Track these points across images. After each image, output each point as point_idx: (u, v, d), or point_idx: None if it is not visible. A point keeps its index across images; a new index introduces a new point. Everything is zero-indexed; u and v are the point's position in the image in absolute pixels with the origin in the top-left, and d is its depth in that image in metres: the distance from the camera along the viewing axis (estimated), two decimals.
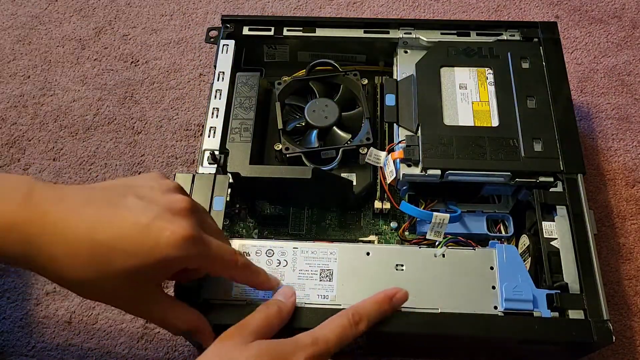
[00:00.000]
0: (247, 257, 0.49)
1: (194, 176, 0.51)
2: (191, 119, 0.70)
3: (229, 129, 0.55)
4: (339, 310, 0.45)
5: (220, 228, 0.49)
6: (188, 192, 0.48)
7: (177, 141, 0.69)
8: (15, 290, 0.60)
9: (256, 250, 0.49)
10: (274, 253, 0.49)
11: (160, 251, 0.36)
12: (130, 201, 0.38)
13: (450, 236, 0.52)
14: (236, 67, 0.60)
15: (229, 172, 0.52)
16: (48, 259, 0.36)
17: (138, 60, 0.76)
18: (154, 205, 0.38)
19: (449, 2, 0.81)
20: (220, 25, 0.62)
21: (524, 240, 0.53)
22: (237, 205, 0.56)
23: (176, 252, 0.37)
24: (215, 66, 0.59)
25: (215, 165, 0.52)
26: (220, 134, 0.54)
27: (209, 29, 0.62)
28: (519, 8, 0.80)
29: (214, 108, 0.56)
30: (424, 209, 0.55)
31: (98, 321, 0.58)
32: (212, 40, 0.61)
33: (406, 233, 0.56)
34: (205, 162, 0.53)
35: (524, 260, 0.52)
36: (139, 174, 0.66)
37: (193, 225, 0.38)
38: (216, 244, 0.40)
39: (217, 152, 0.53)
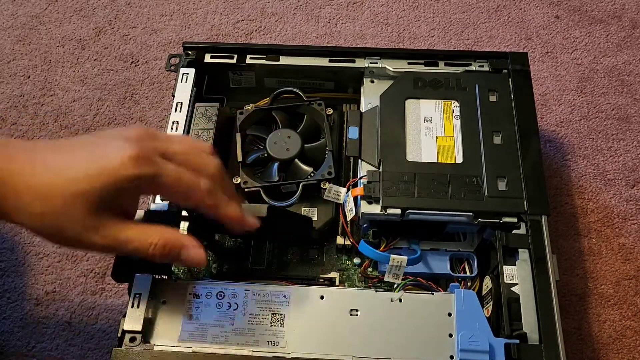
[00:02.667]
0: (197, 299, 0.47)
1: (145, 212, 0.50)
2: None
3: None
4: (288, 359, 0.44)
5: (170, 270, 0.47)
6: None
7: None
8: (15, 290, 0.60)
9: (206, 292, 0.48)
10: (224, 295, 0.47)
11: (109, 172, 0.38)
12: (91, 140, 0.41)
13: (409, 278, 0.50)
14: (197, 96, 0.59)
15: (183, 208, 0.50)
16: (15, 200, 0.38)
17: (138, 60, 0.76)
18: (111, 139, 0.40)
19: (449, 2, 0.81)
20: (182, 53, 0.60)
21: (487, 282, 0.51)
22: None
23: (124, 171, 0.38)
24: (173, 96, 0.57)
25: (168, 201, 0.51)
26: None
27: (170, 56, 0.60)
28: (519, 8, 0.80)
29: None
30: (385, 247, 0.53)
31: (98, 321, 0.58)
32: (172, 67, 0.60)
33: (369, 270, 0.55)
34: (158, 198, 0.51)
35: (487, 303, 0.50)
36: None
37: (144, 147, 0.39)
38: (174, 168, 0.40)
39: None
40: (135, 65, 0.75)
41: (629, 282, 0.60)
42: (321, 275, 0.55)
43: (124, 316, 0.45)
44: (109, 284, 0.61)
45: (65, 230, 0.39)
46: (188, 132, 0.55)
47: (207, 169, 0.43)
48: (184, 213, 0.51)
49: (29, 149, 0.40)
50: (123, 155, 0.38)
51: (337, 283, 0.54)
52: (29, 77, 0.75)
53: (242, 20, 0.78)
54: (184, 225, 0.51)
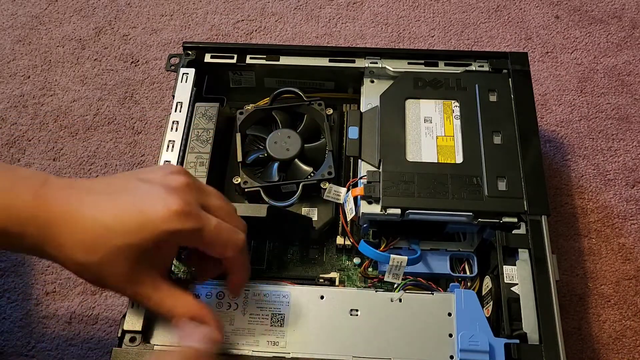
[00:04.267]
0: (198, 298, 0.47)
1: None
2: None
3: (185, 163, 0.54)
4: (288, 359, 0.44)
5: (171, 267, 0.47)
6: None
7: None
8: (15, 290, 0.60)
9: (207, 292, 0.48)
10: (224, 296, 0.47)
11: (154, 226, 0.38)
12: (131, 185, 0.40)
13: (409, 278, 0.50)
14: (197, 96, 0.59)
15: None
16: (57, 246, 0.38)
17: (138, 60, 0.76)
18: (153, 186, 0.39)
19: (449, 2, 0.80)
20: (182, 52, 0.60)
21: (487, 282, 0.51)
22: None
23: (168, 225, 0.38)
24: (173, 96, 0.57)
25: None
26: None
27: (170, 56, 0.60)
28: (519, 8, 0.80)
29: (169, 141, 0.54)
30: (385, 247, 0.53)
31: (98, 321, 0.58)
32: (172, 67, 0.60)
33: (369, 270, 0.55)
34: None
35: (487, 303, 0.50)
36: None
37: (188, 200, 0.39)
38: (216, 222, 0.40)
39: None
40: (135, 65, 0.75)
41: (629, 282, 0.60)
42: (321, 275, 0.55)
43: (124, 316, 0.45)
44: None
45: (106, 280, 0.39)
46: (188, 132, 0.55)
47: (239, 227, 0.43)
48: None
49: (70, 190, 0.39)
50: (168, 209, 0.38)
51: (337, 283, 0.54)
52: (29, 77, 0.75)
53: (242, 20, 0.78)
54: None
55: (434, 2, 0.80)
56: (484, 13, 0.79)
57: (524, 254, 0.48)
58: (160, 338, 0.45)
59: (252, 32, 0.77)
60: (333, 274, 0.55)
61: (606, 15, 0.79)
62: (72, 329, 0.58)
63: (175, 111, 0.56)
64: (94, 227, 0.38)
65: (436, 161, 0.53)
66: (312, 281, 0.54)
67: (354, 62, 0.60)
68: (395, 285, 0.50)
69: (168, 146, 0.54)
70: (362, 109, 0.57)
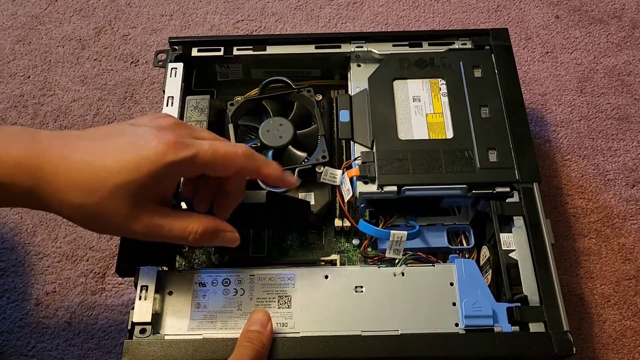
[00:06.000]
0: (203, 287, 0.48)
1: None
2: None
3: None
4: (299, 338, 0.44)
5: (174, 261, 0.48)
6: None
7: None
8: (15, 290, 0.60)
9: (212, 280, 0.48)
10: (230, 282, 0.48)
11: (150, 161, 0.39)
12: (123, 129, 0.41)
13: (410, 253, 0.52)
14: (187, 90, 0.59)
15: (182, 201, 0.51)
16: (52, 191, 0.38)
17: (138, 60, 0.76)
18: (144, 127, 0.41)
19: (449, 2, 0.81)
20: (169, 48, 0.61)
21: (485, 252, 0.52)
22: None
23: (164, 158, 0.39)
24: (164, 91, 0.57)
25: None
26: None
27: (157, 52, 0.60)
28: (519, 8, 0.80)
29: None
30: (383, 225, 0.54)
31: (98, 321, 0.58)
32: (160, 63, 0.60)
33: (369, 249, 0.56)
34: None
35: (486, 272, 0.51)
36: None
37: (179, 134, 0.41)
38: (209, 143, 0.41)
39: None
40: (135, 65, 0.75)
41: (629, 282, 0.60)
42: (322, 259, 0.56)
43: (132, 309, 0.45)
44: (109, 284, 0.60)
45: (106, 221, 0.40)
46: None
47: (237, 145, 0.44)
48: (184, 206, 0.51)
49: (61, 139, 0.40)
50: (162, 143, 0.39)
51: (338, 265, 0.55)
52: (29, 77, 0.74)
53: (242, 20, 0.78)
54: None
55: (434, 2, 0.80)
56: (484, 13, 0.79)
57: (518, 221, 0.50)
58: (171, 329, 0.46)
59: (252, 32, 0.78)
60: (334, 256, 0.56)
61: (606, 15, 0.79)
62: (72, 329, 0.58)
63: (167, 105, 0.56)
64: (91, 168, 0.38)
65: (427, 138, 0.54)
66: (313, 265, 0.55)
67: (339, 47, 0.61)
68: (397, 261, 0.51)
69: None
70: (351, 93, 0.58)
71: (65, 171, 0.38)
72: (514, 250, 0.48)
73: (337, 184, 0.54)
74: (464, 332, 0.45)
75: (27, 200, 0.39)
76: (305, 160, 0.57)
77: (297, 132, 0.58)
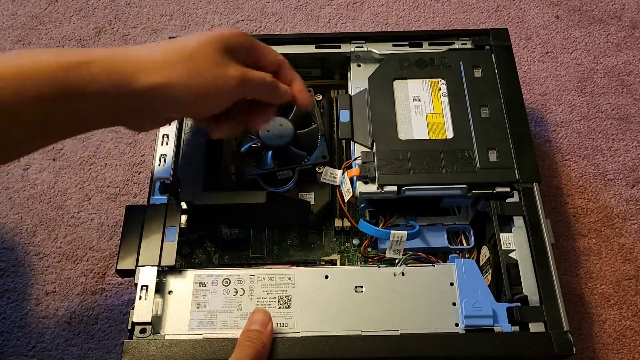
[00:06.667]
0: (204, 287, 0.48)
1: (145, 208, 0.50)
2: None
3: (180, 155, 0.54)
4: (299, 338, 0.44)
5: (174, 260, 0.48)
6: (140, 224, 0.49)
7: None
8: (15, 290, 0.59)
9: (212, 280, 0.48)
10: (230, 282, 0.48)
11: (223, 35, 0.45)
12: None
13: (410, 253, 0.52)
14: None
15: (182, 201, 0.51)
16: (139, 66, 0.41)
17: None
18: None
19: (449, 2, 0.81)
20: None
21: (485, 252, 0.52)
22: (196, 232, 0.55)
23: (233, 35, 0.46)
24: None
25: (167, 195, 0.51)
26: (171, 162, 0.53)
27: None
28: (519, 8, 0.80)
29: (163, 135, 0.54)
30: (383, 225, 0.54)
31: (98, 321, 0.58)
32: None
33: (369, 249, 0.56)
34: (157, 192, 0.51)
35: (486, 272, 0.51)
36: (139, 174, 0.67)
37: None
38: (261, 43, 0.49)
39: (167, 181, 0.52)
40: None
41: (629, 282, 0.60)
42: (322, 259, 0.56)
43: (132, 309, 0.45)
44: (109, 284, 0.60)
45: (204, 71, 0.43)
46: (181, 122, 0.56)
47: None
48: (184, 206, 0.51)
49: (127, 48, 0.44)
50: (229, 28, 0.45)
51: (338, 265, 0.55)
52: None
53: (242, 20, 0.78)
54: (184, 217, 0.51)
55: (434, 2, 0.80)
56: (484, 13, 0.79)
57: (518, 221, 0.50)
58: (171, 328, 0.46)
59: (252, 32, 0.77)
60: (334, 256, 0.56)
61: (606, 15, 0.79)
62: (72, 329, 0.58)
63: None
64: (171, 44, 0.44)
65: (428, 138, 0.54)
66: (313, 265, 0.55)
67: (339, 47, 0.61)
68: (397, 261, 0.51)
69: (163, 140, 0.54)
70: (351, 92, 0.58)
71: (151, 54, 0.42)
72: (514, 250, 0.48)
73: (337, 184, 0.54)
74: (464, 332, 0.45)
75: (117, 91, 0.41)
76: (305, 160, 0.57)
77: (297, 132, 0.58)
